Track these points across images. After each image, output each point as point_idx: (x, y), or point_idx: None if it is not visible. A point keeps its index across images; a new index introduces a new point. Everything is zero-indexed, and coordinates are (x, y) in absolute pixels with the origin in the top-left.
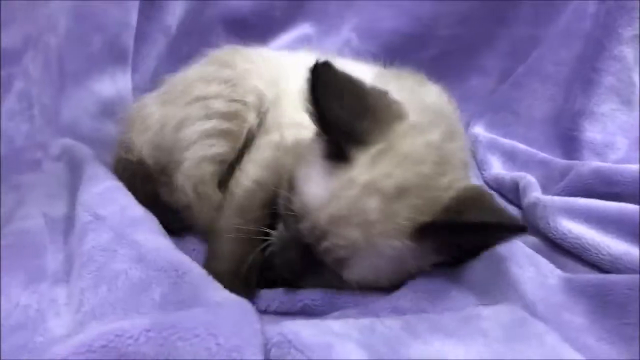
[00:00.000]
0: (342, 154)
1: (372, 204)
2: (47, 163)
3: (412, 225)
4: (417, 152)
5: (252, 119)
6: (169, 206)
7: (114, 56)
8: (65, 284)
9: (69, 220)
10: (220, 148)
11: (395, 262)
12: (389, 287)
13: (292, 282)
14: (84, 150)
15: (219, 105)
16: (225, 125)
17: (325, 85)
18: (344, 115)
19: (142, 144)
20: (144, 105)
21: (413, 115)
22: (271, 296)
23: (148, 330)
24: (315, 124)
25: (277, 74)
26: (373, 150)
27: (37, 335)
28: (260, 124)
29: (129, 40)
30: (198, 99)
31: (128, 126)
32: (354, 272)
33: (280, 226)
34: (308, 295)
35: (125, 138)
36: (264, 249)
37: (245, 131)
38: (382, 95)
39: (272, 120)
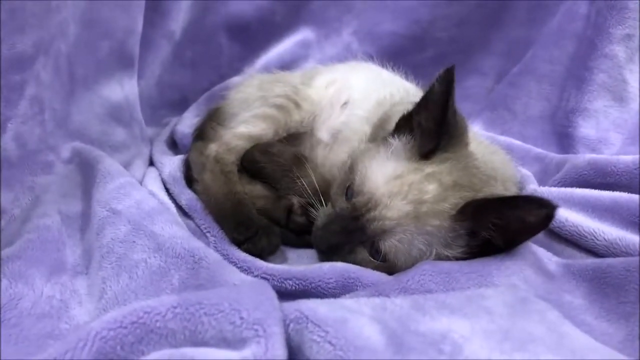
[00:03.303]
0: (428, 151)
1: (430, 187)
2: (59, 165)
3: (455, 207)
4: (470, 168)
5: (297, 117)
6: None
7: (121, 62)
8: (85, 276)
9: (85, 217)
10: (258, 128)
11: (428, 241)
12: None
13: (324, 254)
14: (94, 152)
15: (277, 100)
16: (271, 111)
17: (452, 89)
18: (452, 120)
19: (232, 100)
20: (249, 79)
21: (474, 147)
22: (286, 275)
23: (175, 307)
24: (426, 120)
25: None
26: (444, 155)
27: (62, 323)
28: (306, 125)
29: (135, 47)
30: (269, 95)
31: (237, 85)
32: (391, 243)
33: (327, 205)
34: (323, 277)
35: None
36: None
37: (286, 121)
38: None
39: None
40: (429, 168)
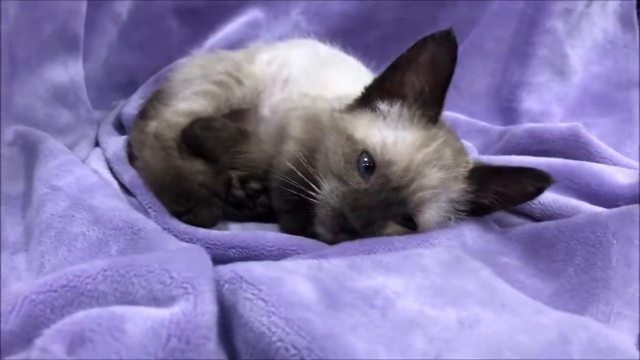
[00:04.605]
0: (434, 118)
1: (448, 153)
2: (1, 148)
3: (466, 172)
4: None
5: (238, 93)
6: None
7: (65, 44)
8: (24, 252)
9: (26, 197)
10: (198, 104)
11: (449, 208)
12: None
13: (352, 234)
14: (37, 133)
15: (217, 76)
16: (212, 88)
17: (457, 53)
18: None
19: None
20: (192, 60)
21: None
22: (229, 244)
23: (105, 270)
24: (433, 88)
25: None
26: (442, 123)
27: None
28: (249, 102)
29: (80, 28)
30: (210, 73)
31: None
32: (429, 215)
33: (330, 183)
34: (265, 245)
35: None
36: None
37: (227, 97)
38: None
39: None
40: (441, 133)
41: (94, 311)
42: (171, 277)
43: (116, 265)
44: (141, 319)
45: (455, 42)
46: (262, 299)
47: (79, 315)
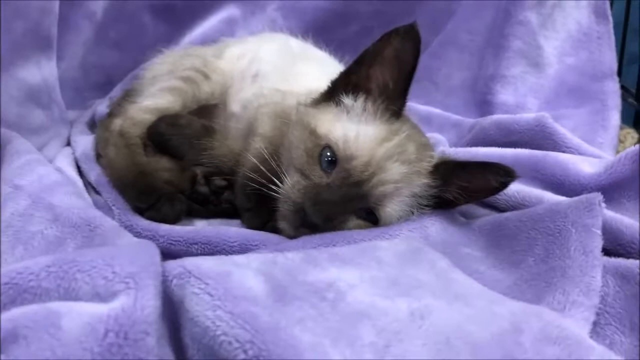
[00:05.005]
0: (397, 112)
1: (412, 147)
2: None
3: (429, 166)
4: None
5: (206, 88)
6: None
7: (38, 43)
8: None
9: None
10: (164, 101)
11: (412, 203)
12: None
13: (314, 228)
14: (7, 133)
15: (184, 72)
16: (178, 83)
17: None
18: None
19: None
20: (162, 57)
21: None
22: (191, 240)
23: (49, 266)
24: (396, 83)
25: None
26: (405, 118)
27: None
28: (218, 97)
29: (52, 27)
30: (177, 69)
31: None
32: (391, 209)
33: (293, 178)
34: (227, 241)
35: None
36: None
37: (194, 93)
38: None
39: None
40: (404, 128)
41: (30, 308)
42: (114, 273)
43: (60, 262)
44: (77, 315)
45: (419, 37)
46: (209, 293)
47: (14, 312)
